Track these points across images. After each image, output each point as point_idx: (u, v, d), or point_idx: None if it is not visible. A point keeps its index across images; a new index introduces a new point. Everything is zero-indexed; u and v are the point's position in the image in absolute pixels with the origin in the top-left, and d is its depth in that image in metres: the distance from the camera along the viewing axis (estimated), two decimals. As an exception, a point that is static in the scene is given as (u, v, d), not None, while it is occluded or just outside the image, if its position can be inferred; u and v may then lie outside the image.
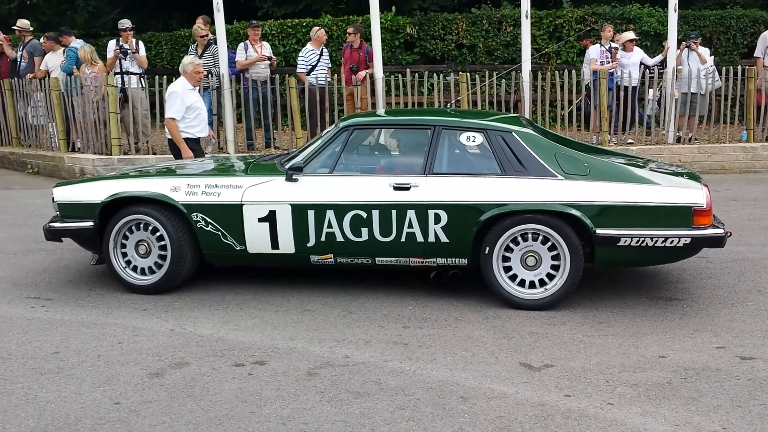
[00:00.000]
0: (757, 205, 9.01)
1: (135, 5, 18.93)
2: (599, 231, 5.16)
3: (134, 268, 5.83)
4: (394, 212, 5.38)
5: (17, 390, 4.14)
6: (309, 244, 5.54)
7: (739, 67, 11.94)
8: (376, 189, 5.43)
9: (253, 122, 11.72)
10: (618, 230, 5.16)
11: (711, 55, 12.23)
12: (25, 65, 12.75)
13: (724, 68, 11.89)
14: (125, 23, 11.72)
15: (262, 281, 6.05)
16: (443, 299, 5.60)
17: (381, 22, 12.05)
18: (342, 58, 12.30)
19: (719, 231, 5.22)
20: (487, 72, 12.11)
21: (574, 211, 5.19)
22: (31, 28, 13.20)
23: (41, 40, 12.98)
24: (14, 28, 13.17)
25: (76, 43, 12.08)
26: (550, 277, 5.32)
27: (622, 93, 11.62)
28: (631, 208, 5.17)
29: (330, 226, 5.47)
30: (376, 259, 5.52)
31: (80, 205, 5.89)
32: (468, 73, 11.92)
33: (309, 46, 12.03)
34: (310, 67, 11.79)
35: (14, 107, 12.88)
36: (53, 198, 6.03)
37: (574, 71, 11.93)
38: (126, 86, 11.41)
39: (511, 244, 5.32)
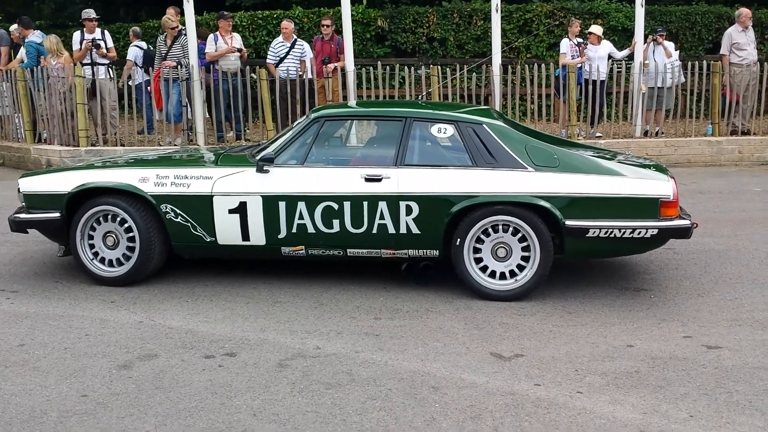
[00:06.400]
0: (722, 197, 9.14)
1: (103, -4, 18.74)
2: (568, 222, 5.20)
3: (102, 260, 5.76)
4: (365, 204, 5.37)
5: (-20, 383, 4.07)
6: (280, 236, 5.52)
7: (705, 62, 12.08)
8: (347, 180, 5.42)
9: (223, 114, 11.64)
10: (587, 221, 5.20)
11: (676, 50, 12.37)
12: (-9, 55, 12.53)
13: (689, 63, 12.03)
14: (89, 13, 11.59)
15: (233, 273, 6.01)
16: (415, 290, 5.61)
17: (352, 15, 12.02)
18: (313, 51, 12.26)
19: (686, 222, 5.29)
20: (457, 65, 12.13)
21: (543, 203, 5.22)
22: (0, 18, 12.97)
23: (11, 28, 12.76)
24: None
25: (35, 36, 11.87)
26: (521, 268, 5.35)
27: (590, 87, 11.72)
28: (600, 199, 5.22)
29: (301, 217, 5.45)
30: (348, 250, 5.52)
31: (47, 195, 5.81)
32: (439, 67, 11.93)
33: (279, 38, 12.00)
34: (278, 59, 11.75)
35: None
36: (19, 189, 5.94)
37: (543, 65, 12.00)
38: (94, 77, 11.28)
39: (481, 236, 5.35)
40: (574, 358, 4.39)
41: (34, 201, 5.88)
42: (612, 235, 5.19)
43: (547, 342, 4.64)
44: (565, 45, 12.04)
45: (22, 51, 12.08)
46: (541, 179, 5.26)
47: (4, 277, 6.03)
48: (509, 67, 12.04)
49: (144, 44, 13.13)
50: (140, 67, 12.29)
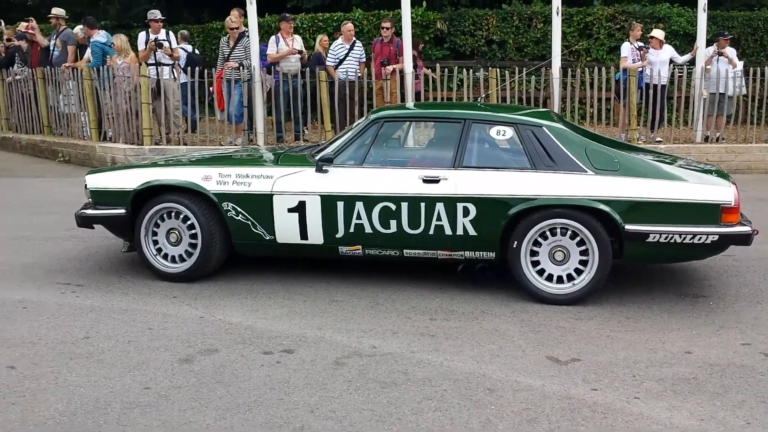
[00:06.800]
0: (785, 205, 8.94)
1: (167, -3, 19.07)
2: (628, 227, 5.15)
3: (165, 256, 5.87)
4: (423, 205, 5.40)
5: (47, 374, 4.18)
6: (338, 235, 5.57)
7: (766, 68, 11.85)
8: (405, 181, 5.45)
9: (283, 115, 11.78)
10: (647, 226, 5.14)
11: (740, 59, 12.17)
12: (59, 54, 12.80)
13: (751, 69, 11.82)
14: (155, 14, 11.82)
15: (291, 271, 6.09)
16: (470, 292, 5.62)
17: (412, 17, 12.05)
18: (372, 53, 12.34)
19: (746, 229, 5.20)
20: (516, 68, 12.09)
21: (603, 207, 5.18)
22: (67, 17, 13.28)
23: (76, 29, 13.07)
24: (49, 16, 13.26)
25: (100, 36, 12.13)
26: (578, 272, 5.31)
27: (651, 91, 11.58)
28: (661, 204, 5.16)
29: (359, 217, 5.50)
30: (405, 251, 5.54)
31: (113, 192, 5.95)
32: (497, 69, 11.90)
33: (339, 40, 12.12)
34: (337, 61, 11.86)
35: (46, 96, 13.02)
36: (86, 185, 6.08)
37: (603, 69, 11.89)
38: (159, 77, 11.51)
39: (539, 239, 5.33)
40: (631, 363, 4.35)
41: (100, 197, 6.02)
42: (672, 241, 5.13)
43: (604, 347, 4.61)
44: (626, 49, 11.91)
45: (88, 51, 12.36)
46: (601, 183, 5.22)
47: (70, 271, 6.19)
48: (569, 70, 11.95)
49: (189, 47, 13.33)
50: (181, 69, 12.46)
